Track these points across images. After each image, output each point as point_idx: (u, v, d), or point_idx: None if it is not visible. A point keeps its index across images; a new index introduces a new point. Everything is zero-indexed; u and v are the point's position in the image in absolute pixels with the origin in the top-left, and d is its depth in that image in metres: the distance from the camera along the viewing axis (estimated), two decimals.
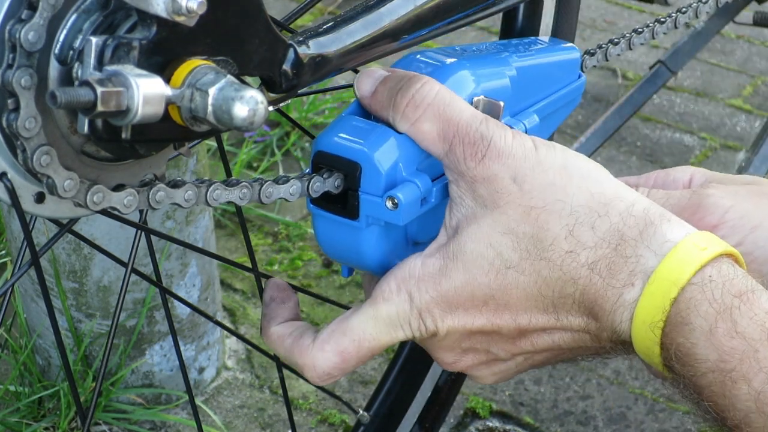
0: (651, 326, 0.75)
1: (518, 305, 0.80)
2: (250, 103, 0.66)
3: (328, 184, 0.81)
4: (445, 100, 0.81)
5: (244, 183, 0.78)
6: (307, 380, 0.84)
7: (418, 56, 0.89)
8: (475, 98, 0.85)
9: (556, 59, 0.99)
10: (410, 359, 1.45)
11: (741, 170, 1.92)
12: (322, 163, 0.82)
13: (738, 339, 0.73)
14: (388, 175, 0.81)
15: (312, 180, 0.81)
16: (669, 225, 0.78)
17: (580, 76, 1.01)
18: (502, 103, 0.85)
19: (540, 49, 0.98)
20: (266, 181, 0.80)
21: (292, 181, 0.80)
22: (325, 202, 0.83)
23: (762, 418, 0.72)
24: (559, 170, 0.80)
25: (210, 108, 0.66)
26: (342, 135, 0.82)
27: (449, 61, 0.88)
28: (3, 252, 1.84)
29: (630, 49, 1.11)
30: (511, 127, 0.83)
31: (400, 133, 0.83)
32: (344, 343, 0.81)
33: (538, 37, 1.03)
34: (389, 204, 0.80)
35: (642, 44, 1.12)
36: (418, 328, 0.81)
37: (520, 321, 0.81)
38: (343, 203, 0.82)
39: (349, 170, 0.81)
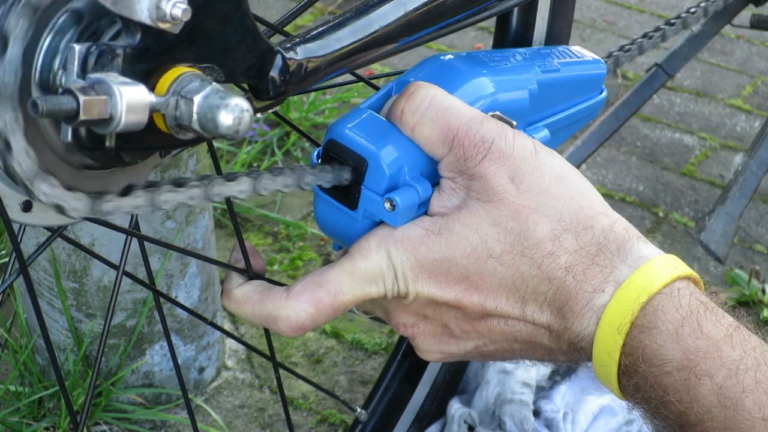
0: (618, 329, 0.78)
1: (489, 291, 0.82)
2: (235, 111, 0.66)
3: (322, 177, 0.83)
4: (442, 105, 0.83)
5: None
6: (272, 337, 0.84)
7: (439, 60, 0.90)
8: (490, 113, 0.86)
9: (580, 74, 1.00)
10: (408, 357, 1.45)
11: (738, 174, 1.92)
12: (333, 151, 0.85)
13: (703, 339, 0.77)
14: (391, 177, 0.83)
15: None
16: (645, 245, 0.82)
17: (601, 92, 1.02)
18: (514, 123, 0.87)
19: (567, 63, 0.99)
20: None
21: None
22: (330, 186, 0.85)
23: (723, 412, 0.75)
24: (556, 179, 0.83)
25: (195, 116, 0.66)
26: (356, 128, 0.84)
27: (469, 67, 0.89)
28: (3, 252, 1.85)
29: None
30: None
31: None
32: (320, 294, 0.82)
33: (569, 47, 1.03)
34: (387, 205, 0.82)
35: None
36: (392, 287, 0.83)
37: (487, 305, 0.83)
38: (345, 191, 0.85)
39: (357, 164, 0.83)
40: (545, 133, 0.94)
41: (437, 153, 0.83)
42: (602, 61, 1.03)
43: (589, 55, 1.03)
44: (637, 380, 0.79)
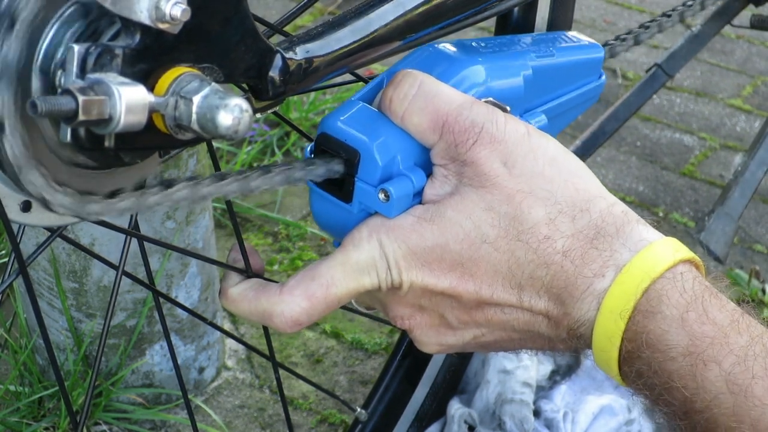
0: (620, 314, 0.77)
1: (484, 278, 0.81)
2: (234, 111, 0.66)
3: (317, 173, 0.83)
4: (431, 91, 0.82)
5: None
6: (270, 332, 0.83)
7: (432, 48, 0.89)
8: (483, 100, 0.86)
9: (577, 59, 0.99)
10: (408, 357, 1.46)
11: (737, 174, 1.92)
12: (325, 144, 0.84)
13: (709, 325, 0.76)
14: (385, 168, 0.82)
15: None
16: (645, 227, 0.81)
17: (600, 76, 1.01)
18: (508, 108, 0.86)
19: (563, 48, 0.98)
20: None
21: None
22: (323, 181, 0.85)
23: (731, 398, 0.74)
24: (549, 161, 0.82)
25: (194, 116, 0.66)
26: (347, 120, 0.84)
27: (462, 55, 0.88)
28: (2, 252, 1.85)
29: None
30: None
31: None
32: (313, 288, 0.81)
33: (565, 32, 1.02)
34: (381, 196, 0.82)
35: None
36: (385, 277, 0.82)
37: (483, 293, 0.82)
38: (339, 185, 0.84)
39: (349, 156, 0.83)
40: (543, 118, 0.93)
41: (428, 140, 0.83)
42: (599, 45, 1.02)
43: (586, 39, 1.02)
44: (639, 366, 0.78)
